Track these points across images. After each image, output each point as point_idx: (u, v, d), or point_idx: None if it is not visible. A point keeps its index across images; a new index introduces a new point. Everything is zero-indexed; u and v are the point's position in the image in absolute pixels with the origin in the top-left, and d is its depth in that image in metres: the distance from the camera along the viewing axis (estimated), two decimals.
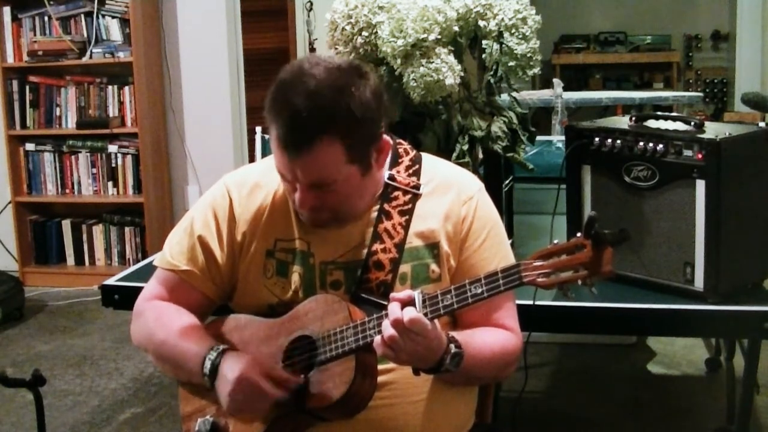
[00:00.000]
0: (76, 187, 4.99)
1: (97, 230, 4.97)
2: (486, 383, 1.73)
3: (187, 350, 1.55)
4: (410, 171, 1.62)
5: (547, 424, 3.03)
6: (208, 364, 1.51)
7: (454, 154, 2.13)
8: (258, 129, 3.45)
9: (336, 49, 2.16)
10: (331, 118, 1.42)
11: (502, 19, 2.09)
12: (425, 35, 2.02)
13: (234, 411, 1.50)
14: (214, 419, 1.58)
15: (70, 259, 4.99)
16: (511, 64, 2.13)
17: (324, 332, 1.47)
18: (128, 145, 4.87)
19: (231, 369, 1.48)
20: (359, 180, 1.50)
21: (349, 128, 1.43)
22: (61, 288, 4.81)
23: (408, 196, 1.59)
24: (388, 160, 1.62)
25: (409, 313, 1.36)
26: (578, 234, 1.32)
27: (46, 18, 4.82)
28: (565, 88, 4.71)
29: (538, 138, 2.45)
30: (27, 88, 4.91)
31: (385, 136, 1.56)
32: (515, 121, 2.22)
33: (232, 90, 4.99)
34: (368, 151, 1.50)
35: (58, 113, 4.92)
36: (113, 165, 4.91)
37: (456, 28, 2.09)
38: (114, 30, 4.78)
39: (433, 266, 1.57)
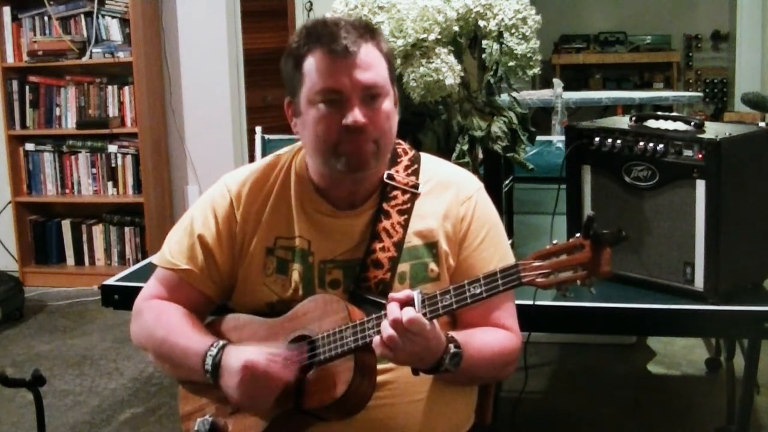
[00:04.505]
0: (76, 187, 4.99)
1: (97, 230, 4.97)
2: (486, 383, 1.73)
3: (187, 348, 1.56)
4: (409, 170, 1.62)
5: (547, 424, 3.03)
6: (209, 360, 1.51)
7: (454, 154, 2.13)
8: (258, 129, 3.44)
9: None
10: (373, 30, 1.54)
11: (502, 19, 2.09)
12: (425, 35, 2.02)
13: (243, 401, 1.48)
14: (213, 419, 1.58)
15: (70, 259, 4.99)
16: (511, 64, 2.13)
17: (323, 332, 1.47)
18: (128, 145, 4.87)
19: (236, 359, 1.48)
20: (393, 109, 1.55)
21: (385, 45, 1.54)
22: (61, 288, 4.81)
23: (407, 196, 1.59)
24: (387, 160, 1.62)
25: (408, 314, 1.36)
26: (577, 234, 1.32)
27: (46, 18, 4.82)
28: (565, 88, 4.70)
29: (538, 138, 2.45)
30: (27, 88, 4.91)
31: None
32: (515, 121, 2.22)
33: (232, 90, 4.99)
34: (394, 84, 1.56)
35: (58, 113, 4.92)
36: (113, 165, 4.91)
37: (456, 28, 2.09)
38: (114, 30, 4.78)
39: (432, 265, 1.57)
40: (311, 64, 1.49)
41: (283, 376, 1.46)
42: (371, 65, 1.49)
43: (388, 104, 1.52)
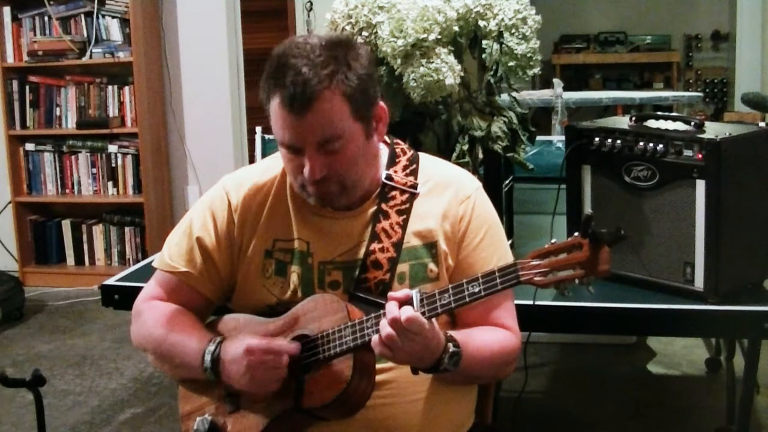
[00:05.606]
0: (76, 187, 4.99)
1: (97, 230, 4.97)
2: (485, 382, 1.73)
3: (186, 345, 1.56)
4: (408, 171, 1.62)
5: (547, 424, 3.03)
6: (207, 357, 1.52)
7: (454, 154, 2.13)
8: (258, 129, 3.45)
9: None
10: (332, 72, 1.44)
11: (502, 19, 2.09)
12: (425, 35, 2.01)
13: (252, 385, 1.48)
14: (212, 418, 1.58)
15: (70, 259, 4.99)
16: (511, 64, 2.13)
17: (322, 331, 1.47)
18: (128, 145, 4.87)
19: (236, 349, 1.48)
20: (364, 143, 1.51)
21: (350, 83, 1.45)
22: (61, 288, 4.81)
23: (405, 196, 1.59)
24: (386, 160, 1.62)
25: (407, 312, 1.36)
26: (576, 233, 1.32)
27: (46, 18, 4.82)
28: (565, 88, 4.70)
29: (538, 138, 2.45)
30: (27, 88, 4.91)
31: (381, 103, 1.56)
32: (515, 121, 2.22)
33: (232, 90, 4.99)
34: (370, 113, 1.52)
35: (58, 113, 4.92)
36: (113, 165, 4.91)
37: (456, 28, 2.09)
38: (114, 30, 4.78)
39: (431, 266, 1.57)
40: (273, 108, 1.47)
41: (287, 349, 1.46)
42: (325, 117, 1.44)
43: (352, 145, 1.49)
